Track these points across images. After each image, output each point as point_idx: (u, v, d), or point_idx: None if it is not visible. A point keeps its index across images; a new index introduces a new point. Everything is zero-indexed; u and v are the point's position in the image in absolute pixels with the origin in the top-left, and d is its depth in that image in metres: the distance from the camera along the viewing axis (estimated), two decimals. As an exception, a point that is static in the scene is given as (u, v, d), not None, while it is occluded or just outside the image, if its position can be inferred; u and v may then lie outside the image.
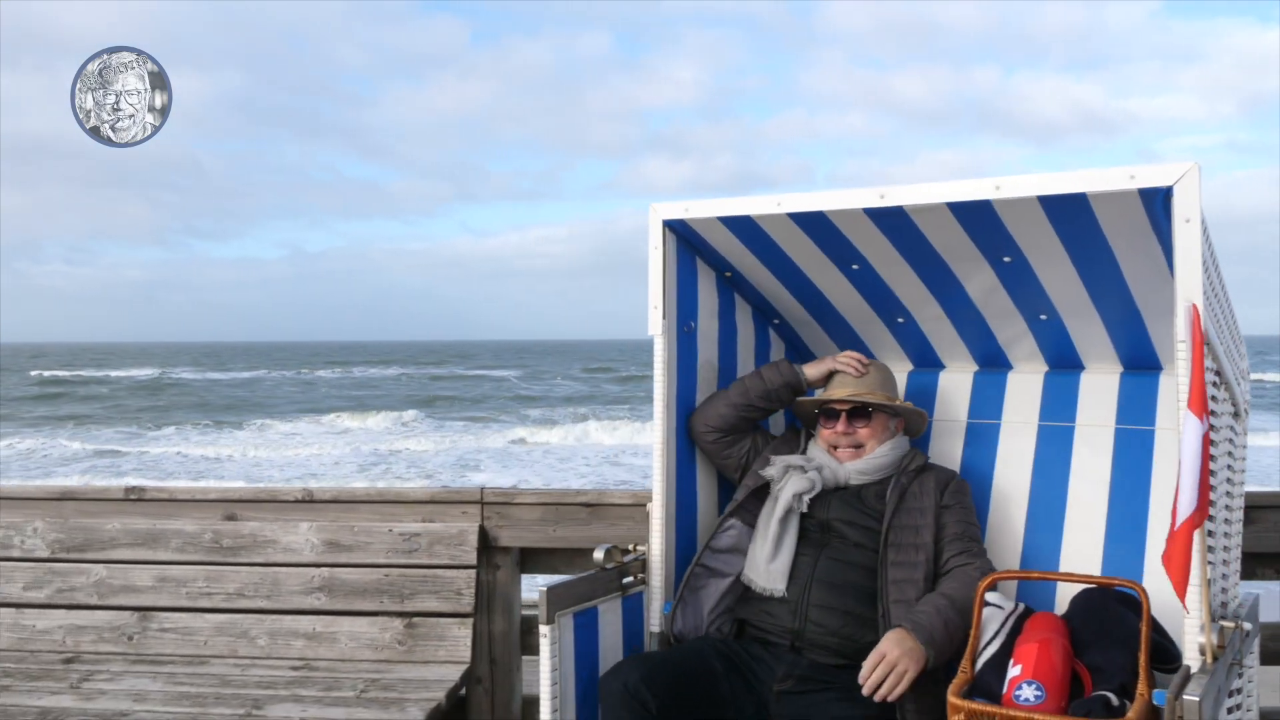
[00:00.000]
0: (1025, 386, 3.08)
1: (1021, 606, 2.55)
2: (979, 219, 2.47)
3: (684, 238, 2.91)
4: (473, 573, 3.50)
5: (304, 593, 3.55)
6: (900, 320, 3.08)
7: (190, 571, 3.63)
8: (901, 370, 3.27)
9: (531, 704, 3.70)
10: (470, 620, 3.46)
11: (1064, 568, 2.84)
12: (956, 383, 3.18)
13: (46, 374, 57.02)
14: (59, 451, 25.08)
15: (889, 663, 2.42)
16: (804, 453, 2.97)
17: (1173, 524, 2.07)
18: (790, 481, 2.82)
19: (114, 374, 58.60)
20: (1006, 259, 2.63)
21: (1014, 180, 2.34)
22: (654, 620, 2.90)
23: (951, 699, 2.26)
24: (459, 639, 3.44)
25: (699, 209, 2.78)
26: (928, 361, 3.23)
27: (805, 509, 2.80)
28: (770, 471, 2.88)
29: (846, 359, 2.98)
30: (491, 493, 3.59)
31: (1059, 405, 3.01)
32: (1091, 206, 2.31)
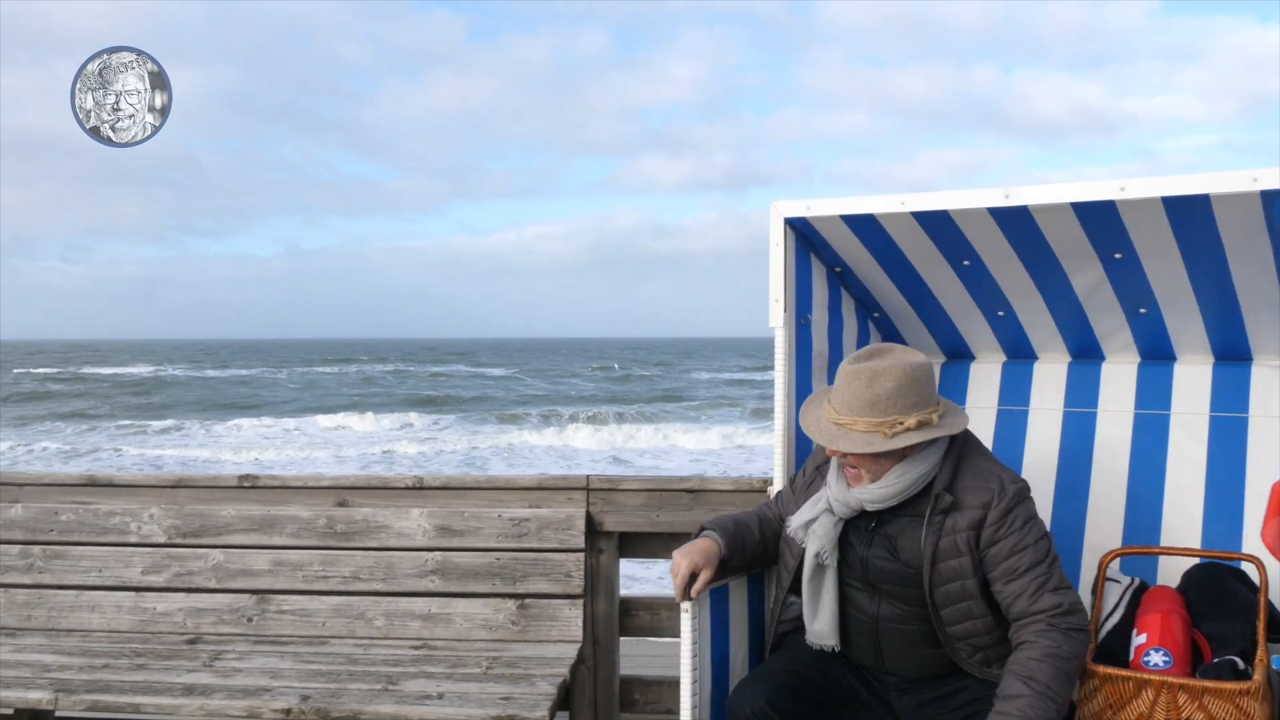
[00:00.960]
0: (1119, 376, 3.24)
1: (1137, 581, 2.72)
2: (1100, 218, 2.63)
3: (801, 234, 3.08)
4: (581, 556, 3.66)
5: (418, 576, 3.71)
6: (1000, 314, 3.24)
7: (306, 556, 3.78)
8: (995, 361, 3.44)
9: (629, 683, 3.86)
10: (580, 601, 3.62)
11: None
12: (1051, 373, 3.34)
13: (36, 370, 57.01)
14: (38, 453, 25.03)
15: None
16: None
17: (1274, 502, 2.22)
18: (810, 540, 2.68)
19: (102, 370, 58.58)
20: (1118, 255, 2.79)
21: (1139, 182, 2.51)
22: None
23: (1089, 662, 2.42)
24: (570, 619, 3.60)
25: (821, 207, 2.95)
26: (1022, 353, 3.39)
27: (831, 563, 2.66)
28: (790, 533, 2.75)
29: None
30: (597, 480, 3.75)
31: (1154, 394, 3.17)
32: (1212, 207, 2.47)
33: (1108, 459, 3.17)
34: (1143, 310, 3.03)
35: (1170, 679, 2.32)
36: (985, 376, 3.42)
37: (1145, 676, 2.35)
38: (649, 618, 3.89)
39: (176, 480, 3.98)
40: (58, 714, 3.98)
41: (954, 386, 3.47)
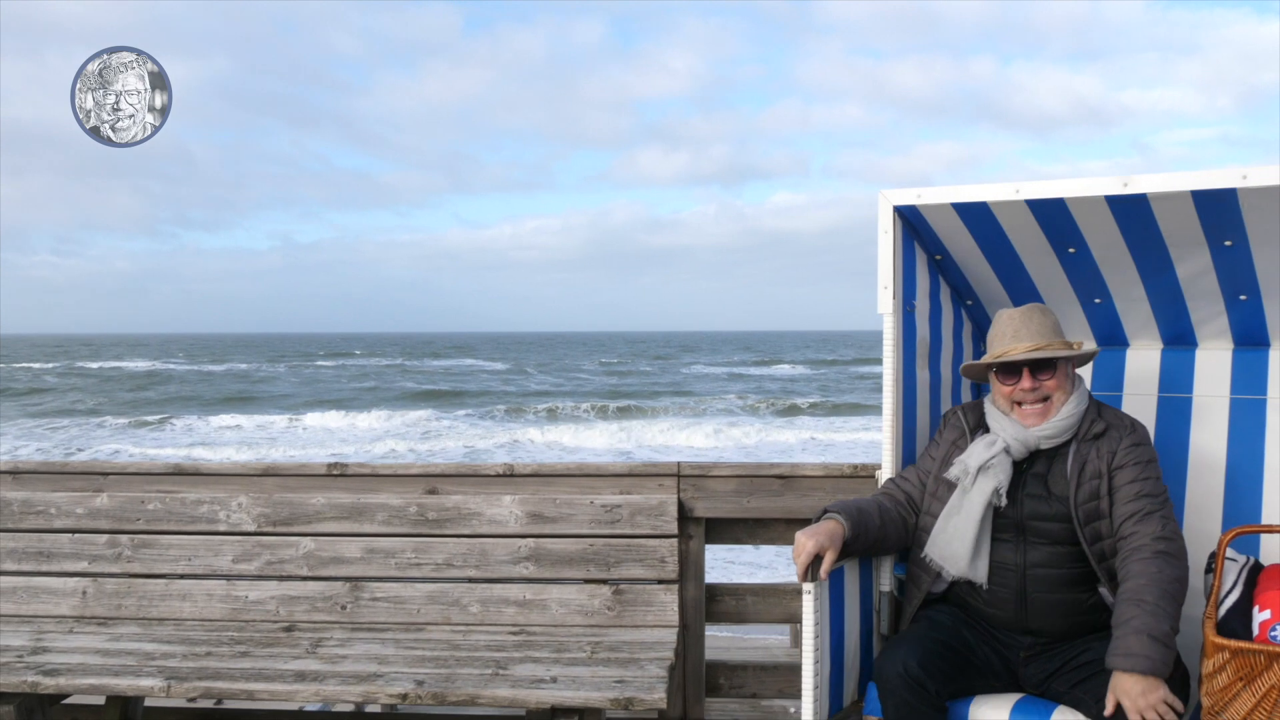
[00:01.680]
0: (1214, 362, 3.29)
1: (1251, 560, 2.77)
2: (1217, 205, 2.68)
3: (908, 222, 3.12)
4: (674, 541, 3.71)
5: (512, 562, 3.75)
6: (1098, 301, 3.29)
7: (398, 543, 3.83)
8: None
9: (714, 668, 3.92)
10: (675, 586, 3.67)
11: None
12: (1145, 359, 3.40)
13: (37, 365, 56.76)
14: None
15: (1139, 710, 2.47)
16: (982, 423, 2.98)
17: None
18: (983, 478, 2.84)
19: (97, 365, 58.36)
20: (1228, 243, 2.85)
21: (1261, 170, 2.56)
22: (884, 580, 3.12)
23: (1215, 639, 2.48)
24: (666, 604, 3.65)
25: (931, 195, 3.00)
26: (1114, 340, 3.45)
27: (1004, 503, 2.83)
28: (954, 473, 2.90)
29: None
30: (688, 466, 3.80)
31: (1250, 379, 3.23)
32: (1335, 195, 2.52)
33: (1206, 442, 3.22)
34: (1243, 297, 3.08)
35: (1303, 654, 2.38)
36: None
37: (1276, 650, 2.41)
38: (734, 603, 3.94)
39: (265, 469, 4.02)
40: (147, 703, 4.04)
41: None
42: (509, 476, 3.88)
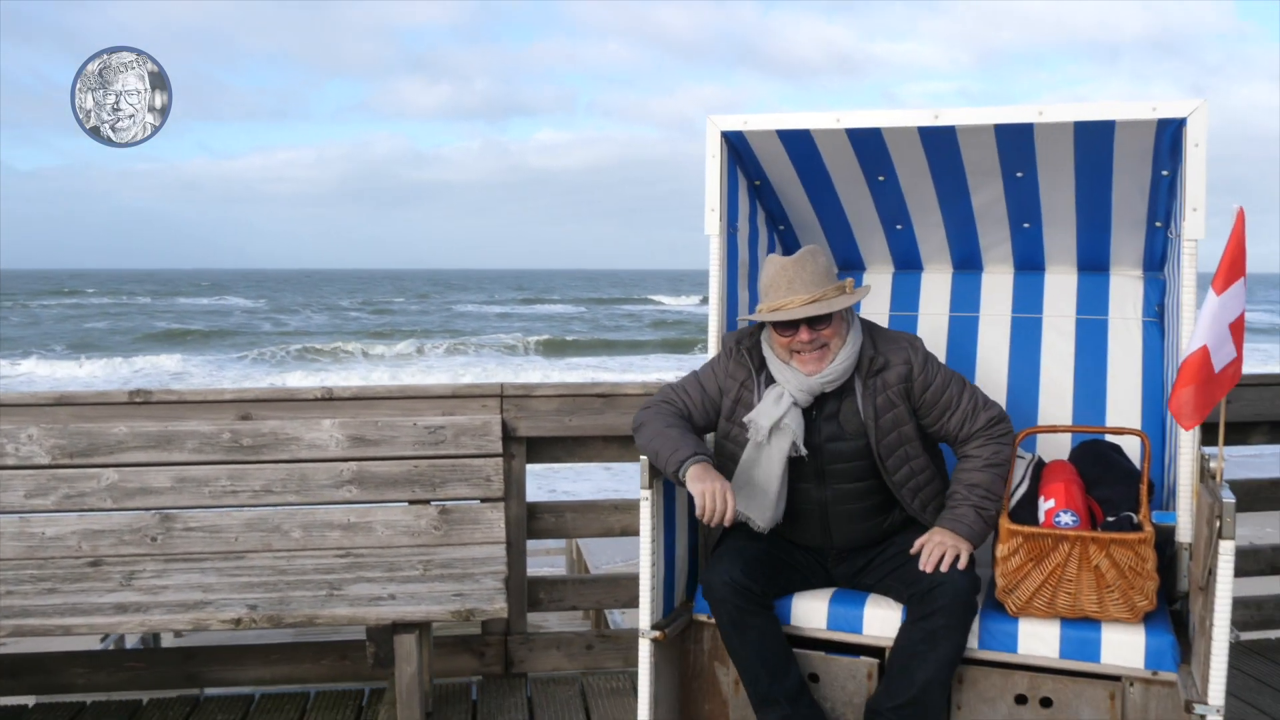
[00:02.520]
0: (997, 285, 3.64)
1: (1036, 456, 3.12)
2: (1016, 139, 2.96)
3: (733, 148, 3.27)
4: (499, 461, 3.77)
5: (334, 486, 3.71)
6: (899, 227, 3.56)
7: (211, 471, 3.70)
8: (885, 272, 3.77)
9: (534, 583, 4.03)
10: (502, 505, 3.74)
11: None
12: (937, 282, 3.71)
13: None
14: None
15: (940, 544, 2.78)
16: (764, 366, 2.98)
17: (1197, 371, 2.62)
18: (778, 436, 2.87)
19: None
20: (1019, 174, 3.15)
21: (1056, 107, 2.85)
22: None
23: (1009, 525, 2.80)
24: (493, 521, 3.71)
25: (757, 122, 3.15)
26: (910, 264, 3.74)
27: (802, 453, 2.89)
28: (760, 438, 2.89)
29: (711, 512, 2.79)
30: (511, 387, 3.86)
31: (1028, 300, 3.59)
32: (1115, 133, 2.85)
33: (990, 357, 3.57)
34: (1026, 225, 3.41)
35: (1083, 534, 2.72)
36: (877, 287, 3.73)
37: (1061, 533, 2.74)
38: (554, 520, 4.05)
39: (57, 398, 3.77)
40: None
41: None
42: (327, 400, 3.81)
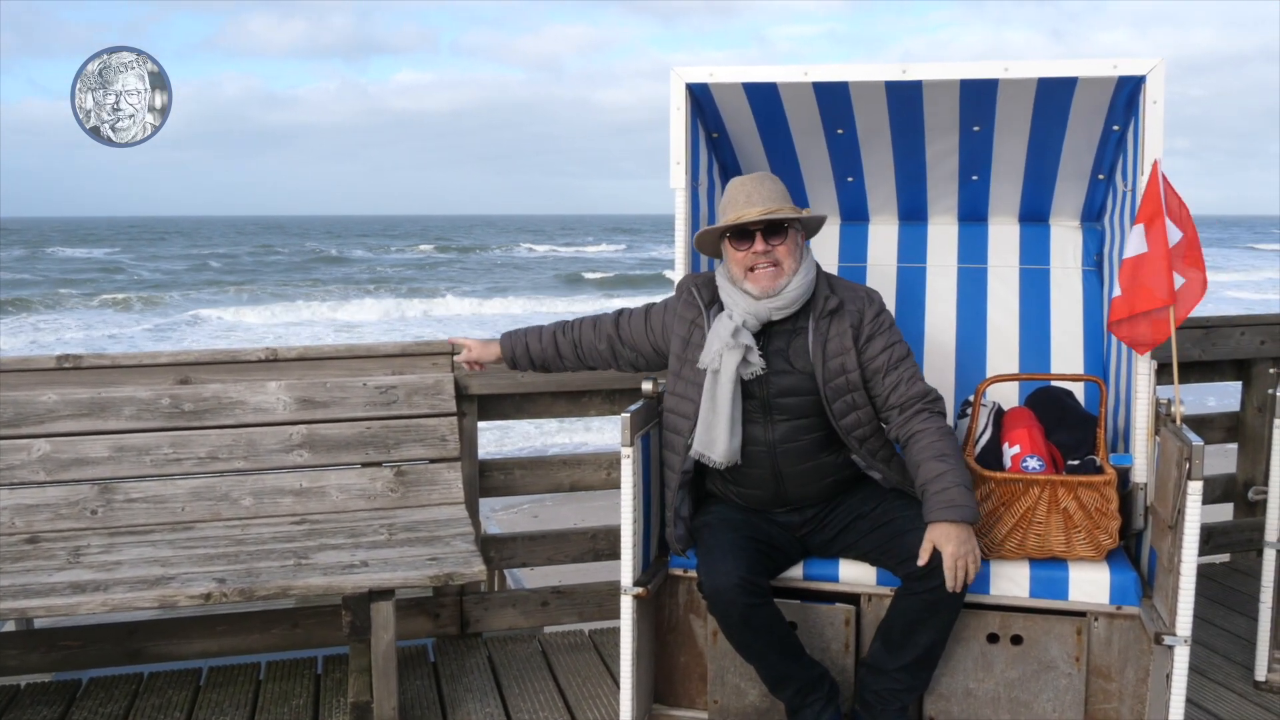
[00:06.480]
0: (942, 235, 3.73)
1: (996, 404, 3.24)
2: (978, 94, 3.03)
3: (696, 100, 3.25)
4: (454, 419, 3.71)
5: (284, 451, 3.59)
6: (850, 179, 3.61)
7: (152, 439, 3.54)
8: (833, 224, 3.82)
9: (486, 541, 4.00)
10: (458, 464, 3.69)
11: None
12: (884, 234, 3.78)
13: None
14: None
15: (957, 557, 2.67)
16: (716, 299, 3.02)
17: (1140, 303, 2.78)
18: (727, 359, 2.89)
19: None
20: (976, 128, 3.22)
21: (1021, 64, 2.92)
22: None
23: (981, 471, 2.90)
24: (450, 481, 3.66)
25: (723, 74, 3.15)
26: (858, 216, 3.80)
27: (757, 368, 2.91)
28: (704, 362, 2.93)
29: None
30: (462, 345, 3.78)
31: (973, 251, 3.69)
32: (1075, 89, 2.93)
33: (937, 306, 3.66)
34: (975, 178, 3.50)
35: (1052, 478, 2.84)
36: (826, 238, 3.78)
37: (1031, 478, 2.86)
38: (504, 478, 4.02)
39: (-24, 366, 3.54)
40: None
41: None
42: (272, 362, 3.68)
